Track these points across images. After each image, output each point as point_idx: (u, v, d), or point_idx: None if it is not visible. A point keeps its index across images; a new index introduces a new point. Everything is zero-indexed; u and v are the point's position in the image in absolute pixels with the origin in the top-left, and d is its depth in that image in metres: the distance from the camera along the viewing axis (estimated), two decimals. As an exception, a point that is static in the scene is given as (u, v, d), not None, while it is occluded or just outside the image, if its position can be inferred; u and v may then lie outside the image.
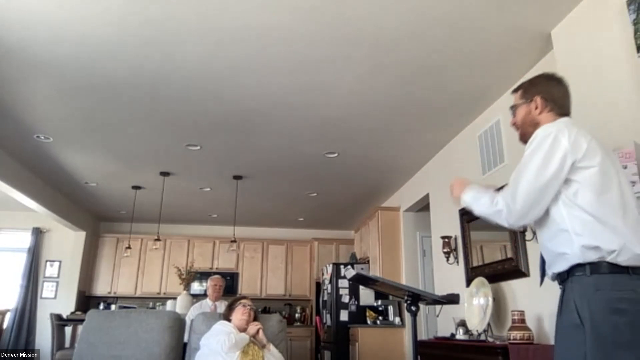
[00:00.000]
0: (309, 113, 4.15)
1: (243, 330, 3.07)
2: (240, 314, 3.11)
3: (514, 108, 1.80)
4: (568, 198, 1.53)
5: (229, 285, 7.44)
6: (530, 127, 1.71)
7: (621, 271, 1.44)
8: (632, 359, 1.36)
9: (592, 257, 1.47)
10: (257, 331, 3.10)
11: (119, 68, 3.42)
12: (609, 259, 1.45)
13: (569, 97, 1.76)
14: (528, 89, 1.77)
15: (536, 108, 1.71)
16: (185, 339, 3.32)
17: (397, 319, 6.00)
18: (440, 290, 4.72)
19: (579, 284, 1.48)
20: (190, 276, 6.26)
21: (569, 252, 1.51)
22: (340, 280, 6.58)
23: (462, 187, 1.83)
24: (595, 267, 1.46)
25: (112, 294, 7.96)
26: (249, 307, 3.18)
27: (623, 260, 1.44)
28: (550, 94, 1.72)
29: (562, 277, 1.57)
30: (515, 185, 1.59)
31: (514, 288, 3.50)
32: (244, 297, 3.35)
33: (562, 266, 1.55)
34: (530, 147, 1.60)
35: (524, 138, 1.75)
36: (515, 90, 1.84)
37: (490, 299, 3.46)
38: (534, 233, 3.19)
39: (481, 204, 1.72)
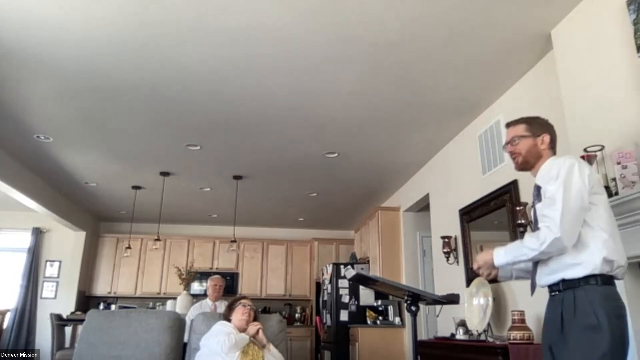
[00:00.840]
0: (309, 113, 4.15)
1: (243, 330, 3.07)
2: (240, 314, 3.11)
3: (518, 139, 1.95)
4: (590, 217, 1.73)
5: (229, 285, 7.44)
6: (533, 158, 1.93)
7: (614, 284, 1.71)
8: (625, 355, 1.64)
9: (605, 269, 1.68)
10: (257, 331, 3.10)
11: (119, 68, 3.42)
12: (614, 272, 1.69)
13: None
14: (534, 125, 1.96)
15: (542, 143, 1.92)
16: (185, 339, 3.32)
17: (397, 319, 6.00)
18: (440, 290, 4.72)
19: (592, 292, 1.66)
20: (190, 276, 6.26)
21: (588, 262, 1.68)
22: (340, 280, 6.58)
23: (486, 254, 1.93)
24: (605, 279, 1.68)
25: (112, 294, 7.95)
26: (248, 307, 3.17)
27: (620, 274, 1.71)
28: (552, 135, 1.96)
29: (572, 284, 1.70)
30: (560, 213, 1.69)
31: (514, 288, 3.50)
32: (244, 297, 3.34)
33: (575, 273, 1.70)
34: (557, 177, 1.75)
35: (524, 166, 1.97)
36: (514, 123, 2.01)
37: (490, 299, 3.46)
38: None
39: (527, 246, 1.76)
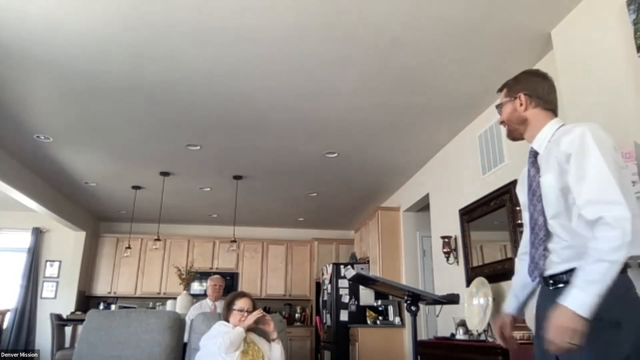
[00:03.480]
0: (309, 113, 4.15)
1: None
2: (237, 320, 3.05)
3: (499, 107, 1.79)
4: None
5: (229, 285, 7.44)
6: (517, 124, 1.72)
7: (627, 272, 1.43)
8: None
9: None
10: (264, 322, 3.04)
11: (119, 68, 3.42)
12: (632, 256, 1.38)
13: (555, 92, 1.73)
14: (512, 87, 1.75)
15: (521, 105, 1.69)
16: (185, 339, 3.32)
17: (397, 319, 6.00)
18: (440, 290, 4.72)
19: None
20: (190, 276, 6.26)
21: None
22: (340, 280, 6.58)
23: (561, 318, 1.35)
24: (622, 268, 1.36)
25: (112, 294, 7.96)
26: (246, 312, 3.09)
27: (633, 263, 1.43)
28: (534, 90, 1.70)
29: None
30: (613, 187, 1.37)
31: (514, 288, 3.50)
32: (243, 295, 3.20)
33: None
34: (587, 152, 1.44)
35: (512, 135, 1.76)
36: (500, 89, 1.82)
37: (490, 299, 3.46)
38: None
39: (602, 260, 1.33)
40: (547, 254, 1.56)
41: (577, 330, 1.31)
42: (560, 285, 1.50)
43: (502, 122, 1.80)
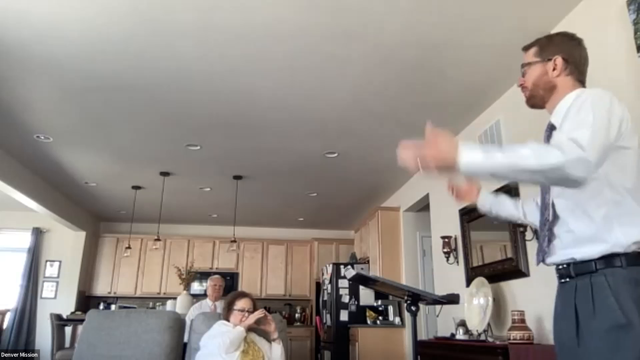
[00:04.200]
0: (309, 113, 4.15)
1: None
2: (238, 320, 3.05)
3: (525, 66, 1.56)
4: (613, 174, 1.33)
5: (229, 285, 7.43)
6: (543, 90, 1.52)
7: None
8: None
9: (633, 247, 1.27)
10: (266, 322, 3.04)
11: (119, 68, 3.42)
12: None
13: (588, 63, 1.58)
14: (546, 47, 1.54)
15: (554, 69, 1.50)
16: (185, 339, 3.32)
17: (397, 319, 6.00)
18: (440, 290, 4.71)
19: (615, 277, 1.26)
20: (190, 276, 6.26)
21: (606, 237, 1.29)
22: (340, 280, 6.58)
23: (444, 143, 1.27)
24: (631, 259, 1.26)
25: (112, 294, 7.95)
26: (246, 312, 3.10)
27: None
28: (572, 55, 1.52)
29: (586, 268, 1.31)
30: (590, 131, 1.24)
31: (513, 288, 3.50)
32: (244, 295, 3.21)
33: (590, 252, 1.31)
34: (582, 105, 1.32)
35: (533, 101, 1.56)
36: (527, 47, 1.60)
37: (490, 299, 3.46)
38: (535, 232, 3.19)
39: (528, 150, 1.20)
40: (553, 237, 1.44)
41: (442, 161, 1.25)
42: (566, 279, 1.39)
43: (522, 86, 1.58)
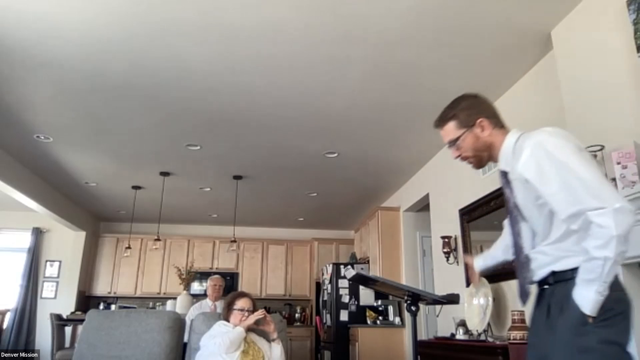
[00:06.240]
0: (310, 113, 4.15)
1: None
2: (237, 320, 3.06)
3: (456, 141, 1.66)
4: None
5: (229, 285, 7.44)
6: (485, 151, 1.65)
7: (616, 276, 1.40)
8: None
9: None
10: (265, 323, 3.04)
11: (119, 68, 3.42)
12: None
13: (494, 106, 1.70)
14: (463, 117, 1.64)
15: (482, 130, 1.61)
16: (185, 339, 3.32)
17: (397, 319, 6.00)
18: (440, 290, 4.72)
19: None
20: (190, 276, 6.26)
21: (578, 250, 1.38)
22: (340, 280, 6.58)
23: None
24: None
25: (112, 294, 7.96)
26: (246, 312, 3.10)
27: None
28: (486, 111, 1.64)
29: (564, 277, 1.41)
30: (589, 182, 1.33)
31: (514, 288, 3.50)
32: (244, 295, 3.21)
33: (566, 264, 1.40)
34: (547, 156, 1.41)
35: (481, 164, 1.70)
36: (441, 124, 1.70)
37: (490, 299, 3.46)
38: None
39: (599, 264, 1.28)
40: (532, 273, 1.54)
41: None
42: (544, 286, 1.50)
43: (463, 157, 1.69)
